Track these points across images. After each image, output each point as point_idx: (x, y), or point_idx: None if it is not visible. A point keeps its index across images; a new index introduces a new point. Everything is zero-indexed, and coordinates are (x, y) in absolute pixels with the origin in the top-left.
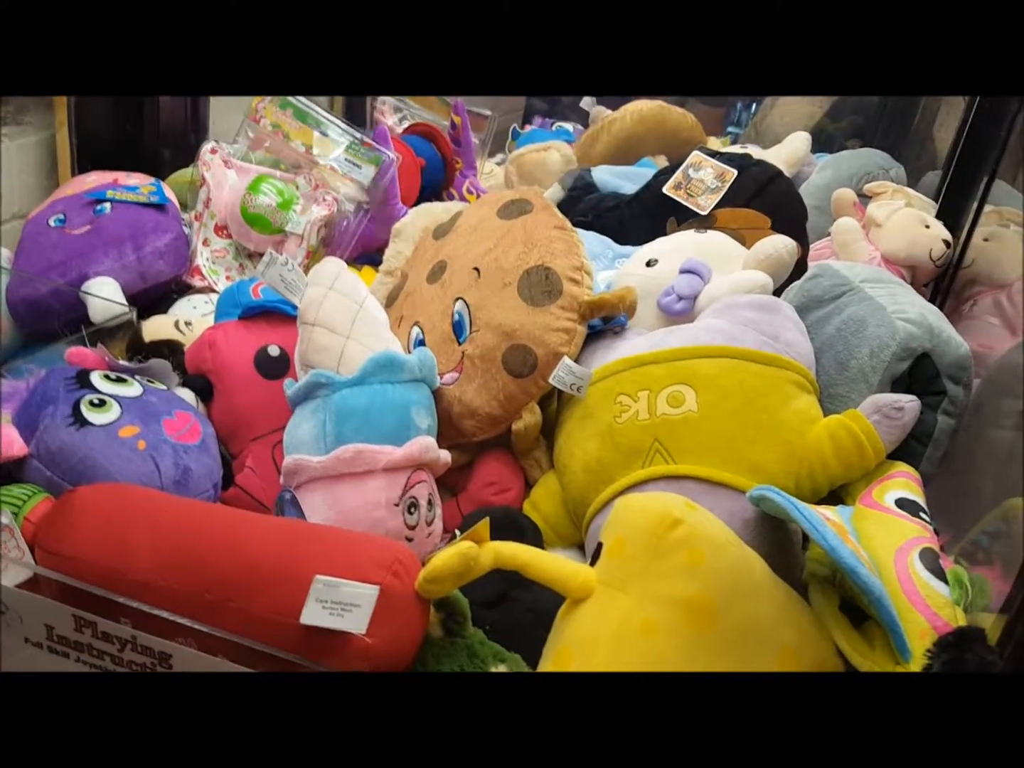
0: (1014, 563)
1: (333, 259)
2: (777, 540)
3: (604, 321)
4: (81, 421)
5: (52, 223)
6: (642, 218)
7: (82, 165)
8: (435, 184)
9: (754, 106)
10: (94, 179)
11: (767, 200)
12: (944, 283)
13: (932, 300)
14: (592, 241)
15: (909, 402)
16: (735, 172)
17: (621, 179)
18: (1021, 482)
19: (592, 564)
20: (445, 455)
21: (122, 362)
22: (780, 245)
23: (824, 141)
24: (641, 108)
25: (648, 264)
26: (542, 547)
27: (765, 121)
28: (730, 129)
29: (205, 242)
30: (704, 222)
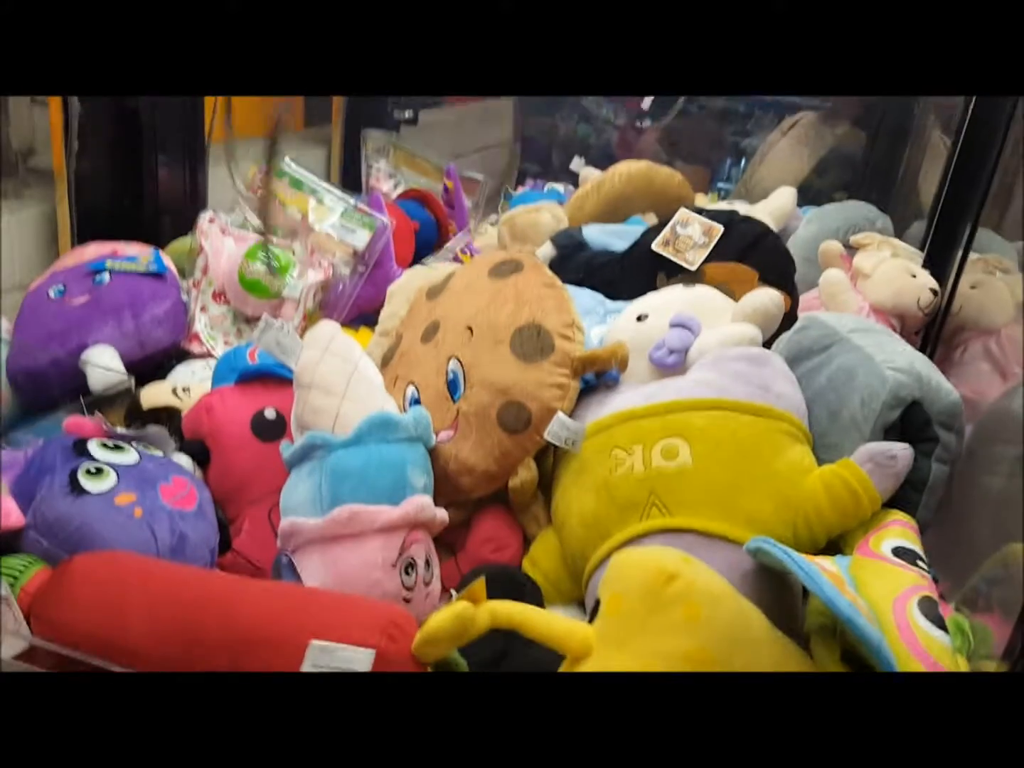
0: (1015, 609)
1: (328, 322)
2: (777, 592)
3: (597, 376)
4: (78, 490)
5: (52, 294)
6: (632, 274)
7: (82, 237)
8: (429, 246)
9: (743, 161)
10: (94, 250)
11: (756, 255)
12: (934, 331)
13: (923, 347)
14: (584, 297)
15: (902, 450)
16: (721, 228)
17: (611, 237)
18: (1019, 527)
19: (590, 621)
20: (442, 513)
21: (119, 430)
22: (767, 298)
23: (812, 196)
24: (629, 168)
25: (639, 319)
26: (542, 605)
27: (754, 177)
28: (720, 185)
29: (203, 309)
30: (693, 277)
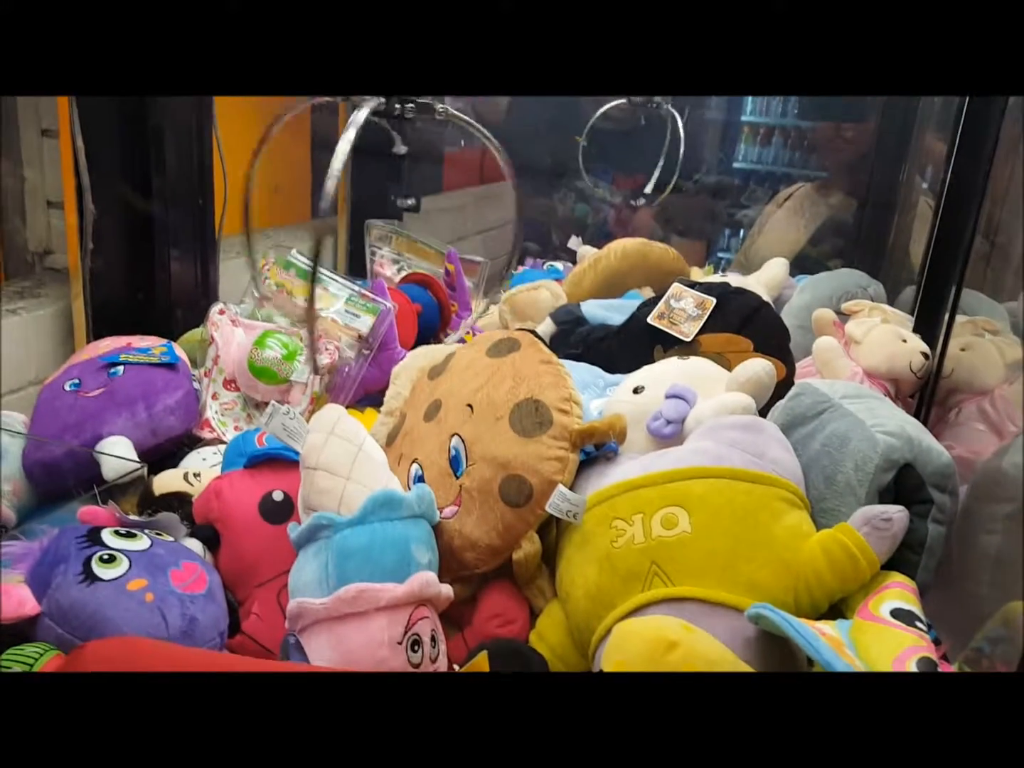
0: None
1: (333, 406)
2: (781, 658)
3: (596, 448)
4: (91, 577)
5: (67, 387)
6: (629, 347)
7: (97, 332)
8: (432, 327)
9: (741, 233)
10: (108, 344)
11: (752, 327)
12: (927, 393)
13: (917, 410)
14: (583, 371)
15: (897, 513)
16: (714, 300)
17: (609, 311)
18: (1019, 585)
19: None
20: (447, 589)
21: (132, 517)
22: (759, 368)
23: (807, 264)
24: (624, 245)
25: (635, 391)
26: None
27: (753, 247)
28: (720, 255)
29: (214, 396)
30: (688, 348)
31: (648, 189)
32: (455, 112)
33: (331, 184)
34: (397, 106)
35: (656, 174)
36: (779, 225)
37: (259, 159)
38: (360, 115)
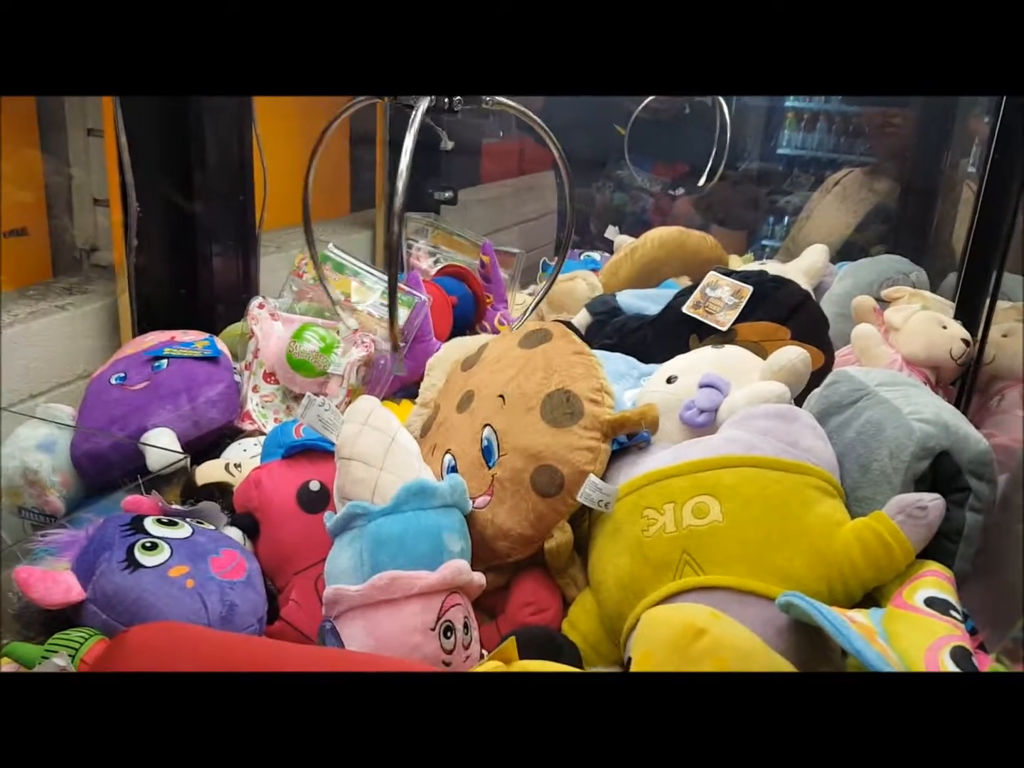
0: None
1: (367, 397)
2: (814, 648)
3: (629, 437)
4: (134, 564)
5: (113, 381)
6: (665, 337)
7: (142, 327)
8: (467, 319)
9: (786, 219)
10: (152, 338)
11: (792, 318)
12: (968, 381)
13: (958, 398)
14: (617, 362)
15: (932, 501)
16: (751, 288)
17: (645, 301)
18: None
19: None
20: (479, 577)
21: (174, 506)
22: (794, 356)
23: (851, 251)
24: (661, 234)
25: (668, 381)
26: (580, 666)
27: (801, 234)
28: (764, 243)
29: (255, 388)
30: (725, 337)
31: (702, 181)
32: (503, 100)
33: (400, 182)
34: (446, 100)
35: (710, 164)
36: (827, 211)
37: (317, 158)
38: (419, 113)
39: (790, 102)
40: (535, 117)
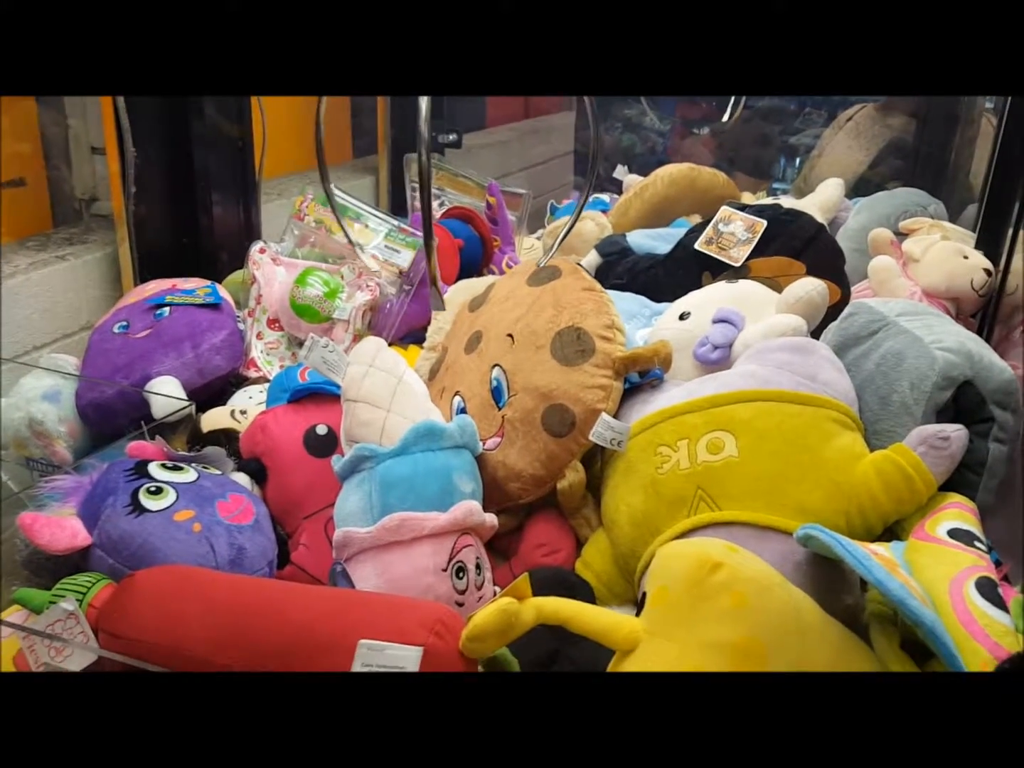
0: None
1: (372, 338)
2: (833, 582)
3: (641, 375)
4: (139, 509)
5: (116, 330)
6: (677, 275)
7: (144, 275)
8: (474, 262)
9: (798, 161)
10: (154, 286)
11: (807, 252)
12: (990, 312)
13: (980, 329)
14: (628, 301)
15: (955, 431)
16: (764, 223)
17: (656, 240)
18: None
19: (638, 614)
20: (491, 518)
21: (179, 452)
22: (810, 287)
23: (866, 187)
24: (671, 172)
25: (681, 317)
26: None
27: (813, 172)
28: (775, 186)
29: (259, 335)
30: (738, 274)
31: (726, 117)
32: None
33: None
34: None
35: (732, 100)
36: (840, 148)
37: (322, 109)
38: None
39: None
40: None
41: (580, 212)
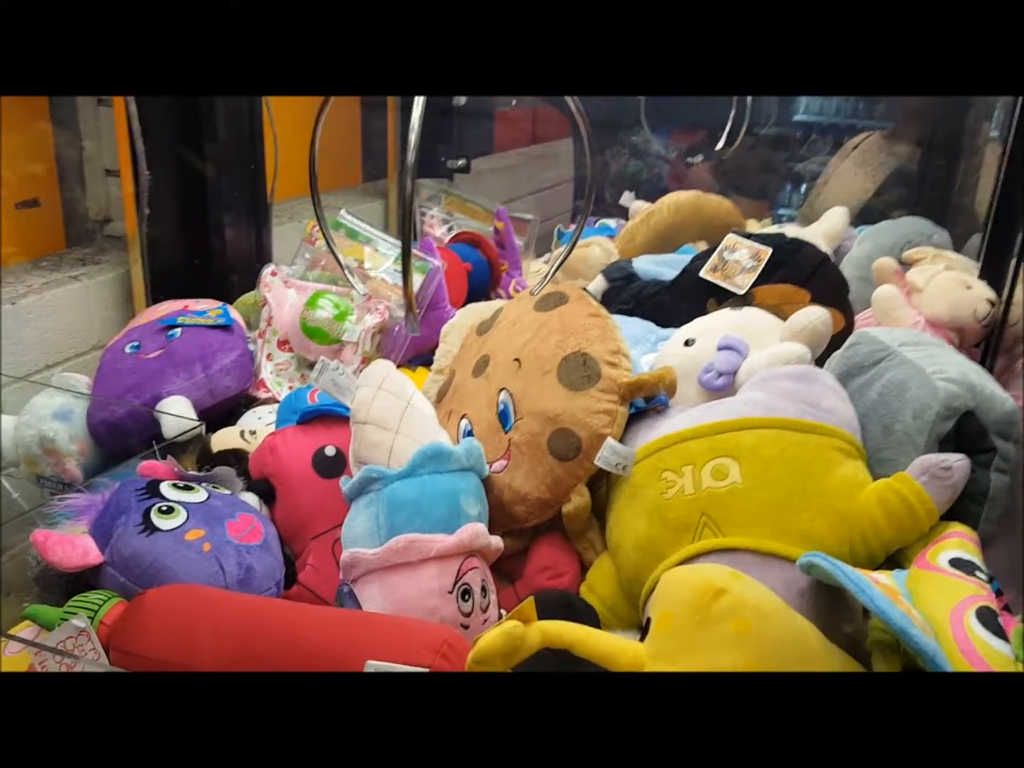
0: None
1: (381, 361)
2: (836, 609)
3: (646, 401)
4: (151, 528)
5: (128, 350)
6: (682, 302)
7: (155, 296)
8: (482, 285)
9: (803, 187)
10: (166, 307)
11: (811, 281)
12: (993, 342)
13: (983, 359)
14: (634, 326)
15: (957, 461)
16: (770, 250)
17: (662, 267)
18: None
19: (642, 639)
20: (496, 541)
21: (190, 472)
22: (814, 316)
23: (871, 215)
24: (677, 199)
25: (686, 344)
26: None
27: (819, 200)
28: (781, 211)
29: (269, 357)
30: (743, 300)
31: (720, 145)
32: None
33: (410, 156)
34: None
35: (728, 127)
36: (846, 176)
37: (320, 125)
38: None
39: None
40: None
41: (576, 242)
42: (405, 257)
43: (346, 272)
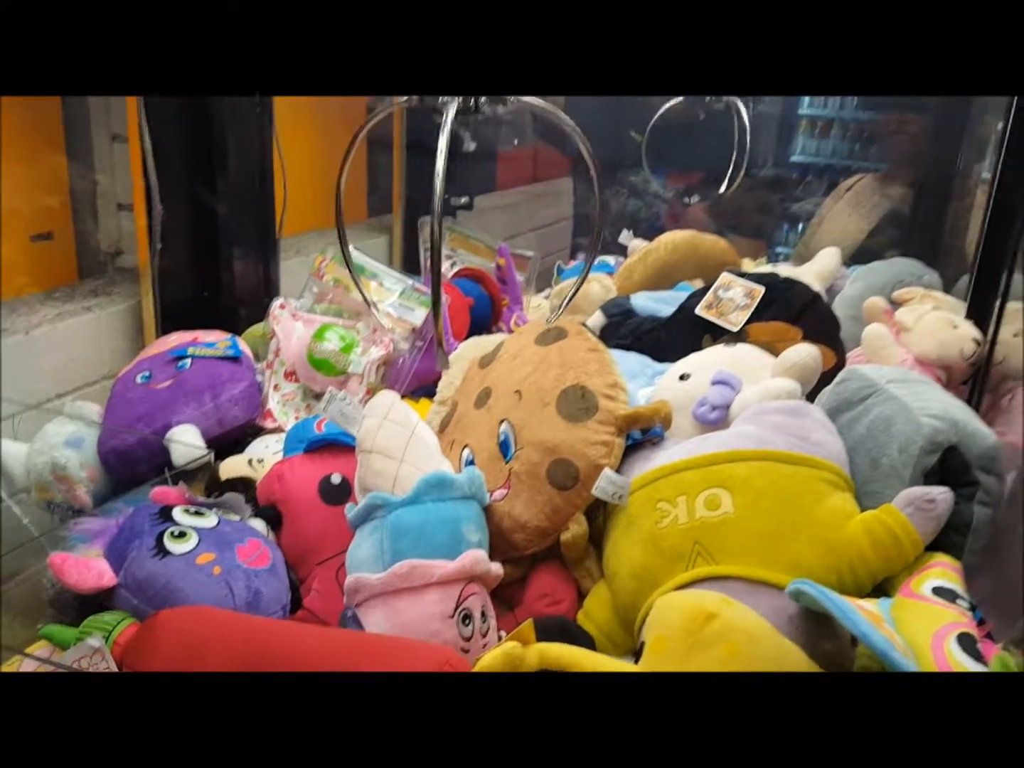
0: None
1: (386, 392)
2: (824, 636)
3: (643, 433)
4: (163, 551)
5: (139, 380)
6: (678, 338)
7: (166, 327)
8: (484, 320)
9: (800, 225)
10: (176, 339)
11: (803, 318)
12: (979, 380)
13: (970, 397)
14: (631, 361)
15: (941, 494)
16: (763, 289)
17: (659, 303)
18: None
19: (636, 663)
20: (497, 567)
21: (200, 498)
22: (804, 353)
23: (865, 255)
24: (674, 238)
25: (681, 378)
26: None
27: (813, 240)
28: (779, 250)
29: (276, 387)
30: (736, 337)
31: (723, 188)
32: (527, 99)
33: (438, 183)
34: (472, 101)
35: (730, 170)
36: (840, 217)
37: (348, 164)
38: (449, 117)
39: (804, 110)
40: (560, 112)
41: (585, 277)
42: (435, 300)
43: (371, 307)
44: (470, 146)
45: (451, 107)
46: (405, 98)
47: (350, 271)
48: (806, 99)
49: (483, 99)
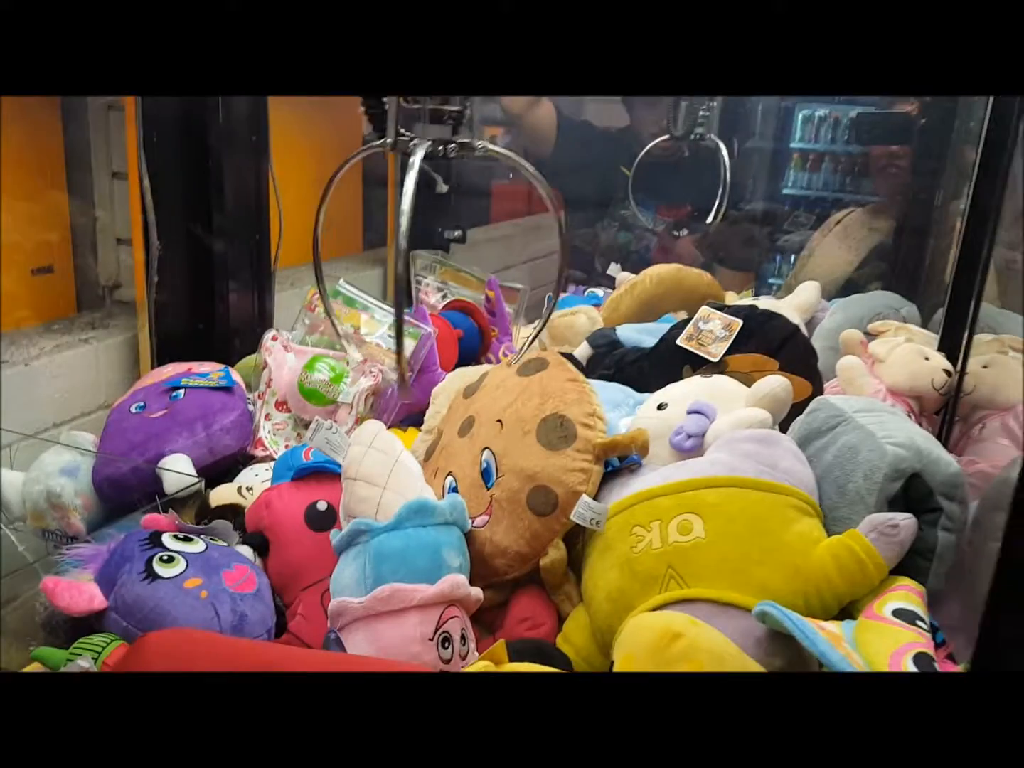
0: None
1: (372, 421)
2: (792, 657)
3: (621, 460)
4: (153, 575)
5: (133, 409)
6: (660, 368)
7: (161, 359)
8: (472, 351)
9: (793, 258)
10: (170, 370)
11: (782, 350)
12: (949, 410)
13: (941, 426)
14: (613, 391)
15: (904, 520)
16: (740, 322)
17: (643, 335)
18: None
19: None
20: (476, 591)
21: (189, 525)
22: (775, 384)
23: (851, 288)
24: (659, 271)
25: (659, 407)
26: None
27: (802, 272)
28: (771, 281)
29: (267, 417)
30: (716, 368)
31: (710, 219)
32: (493, 148)
33: (404, 220)
34: (440, 148)
35: (717, 202)
36: (829, 250)
37: (327, 200)
38: (417, 158)
39: (795, 144)
40: (521, 160)
41: (547, 319)
42: (398, 331)
43: (343, 340)
44: (442, 188)
45: (418, 152)
46: (379, 142)
47: (324, 305)
48: (797, 133)
49: (451, 147)
